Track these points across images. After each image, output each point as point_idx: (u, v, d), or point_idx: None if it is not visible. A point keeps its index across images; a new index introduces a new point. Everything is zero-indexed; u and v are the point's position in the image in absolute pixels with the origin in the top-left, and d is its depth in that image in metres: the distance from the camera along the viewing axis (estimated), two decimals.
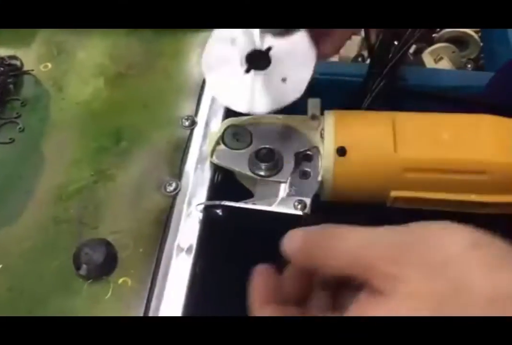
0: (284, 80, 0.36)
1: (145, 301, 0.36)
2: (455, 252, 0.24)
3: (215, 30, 0.38)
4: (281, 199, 0.35)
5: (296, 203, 0.35)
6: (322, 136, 0.38)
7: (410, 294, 0.23)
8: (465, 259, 0.24)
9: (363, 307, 0.24)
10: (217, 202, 0.37)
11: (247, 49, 0.37)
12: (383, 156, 0.35)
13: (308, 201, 0.35)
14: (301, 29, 0.36)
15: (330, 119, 0.37)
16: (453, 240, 0.24)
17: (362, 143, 0.36)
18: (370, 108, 0.59)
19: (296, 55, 0.36)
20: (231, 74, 0.36)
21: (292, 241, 0.28)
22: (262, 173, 0.38)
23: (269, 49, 0.36)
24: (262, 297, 0.29)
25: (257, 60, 0.36)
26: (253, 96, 0.36)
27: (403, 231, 0.25)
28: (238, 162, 0.38)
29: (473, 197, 0.34)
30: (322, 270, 0.27)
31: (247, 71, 0.36)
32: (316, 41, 0.39)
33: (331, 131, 0.36)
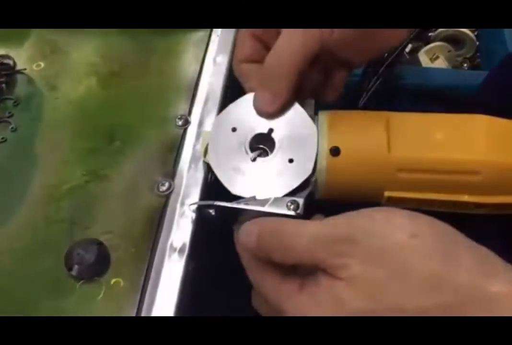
0: (291, 161, 0.36)
1: (137, 302, 0.36)
2: (395, 242, 0.27)
3: (216, 120, 0.39)
4: (274, 199, 0.35)
5: (289, 204, 0.35)
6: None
7: (351, 281, 0.27)
8: (403, 248, 0.26)
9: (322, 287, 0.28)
10: (210, 202, 0.37)
11: (249, 136, 0.37)
12: (377, 156, 0.34)
13: (301, 201, 0.35)
14: (295, 104, 0.37)
15: (323, 119, 0.37)
16: (393, 230, 0.27)
17: (356, 143, 0.35)
18: (365, 107, 0.58)
19: (298, 132, 0.37)
20: (237, 163, 0.37)
21: (248, 239, 0.31)
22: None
23: (270, 131, 0.37)
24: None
25: (261, 144, 0.37)
26: (264, 182, 0.36)
27: (349, 224, 0.29)
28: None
29: (467, 198, 0.34)
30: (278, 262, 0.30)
31: (254, 159, 0.37)
32: (316, 91, 0.40)
33: (325, 131, 0.36)
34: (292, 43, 0.35)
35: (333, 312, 0.27)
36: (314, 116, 0.38)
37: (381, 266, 0.27)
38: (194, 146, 0.43)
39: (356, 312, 0.26)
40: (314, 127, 0.37)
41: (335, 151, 0.35)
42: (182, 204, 0.40)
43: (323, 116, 0.37)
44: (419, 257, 0.26)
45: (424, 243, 0.27)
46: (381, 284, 0.26)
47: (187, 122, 0.45)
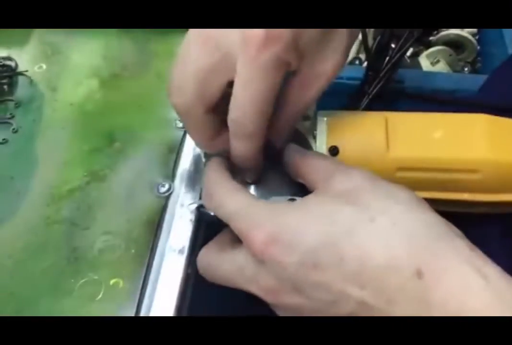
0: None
1: (136, 302, 0.36)
2: (359, 181, 0.30)
3: None
4: (273, 199, 0.35)
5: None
6: (314, 137, 0.37)
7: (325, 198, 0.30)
8: (364, 186, 0.29)
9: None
10: None
11: None
12: (376, 155, 0.35)
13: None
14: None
15: (322, 118, 0.37)
16: (357, 173, 0.30)
17: (355, 142, 0.36)
18: (366, 110, 0.59)
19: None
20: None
21: (288, 158, 0.35)
22: (248, 179, 0.38)
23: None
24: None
25: None
26: (262, 193, 0.37)
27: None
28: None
29: (466, 196, 0.34)
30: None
31: None
32: None
33: (324, 131, 0.36)
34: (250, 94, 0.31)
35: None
36: (313, 116, 0.38)
37: (347, 201, 0.29)
38: (194, 147, 0.43)
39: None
40: (309, 144, 0.38)
41: (334, 151, 0.35)
42: (182, 205, 0.40)
43: (322, 116, 0.37)
44: (375, 196, 0.29)
45: (379, 184, 0.30)
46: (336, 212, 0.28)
47: None
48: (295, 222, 0.28)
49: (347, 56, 0.34)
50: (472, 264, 0.25)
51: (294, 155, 0.35)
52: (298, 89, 0.33)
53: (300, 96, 0.34)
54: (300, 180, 0.34)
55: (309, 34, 0.30)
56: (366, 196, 0.28)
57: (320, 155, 0.35)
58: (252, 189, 0.38)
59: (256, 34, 0.29)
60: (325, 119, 0.37)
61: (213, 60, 0.31)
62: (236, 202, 0.31)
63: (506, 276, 0.25)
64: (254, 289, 0.30)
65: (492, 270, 0.25)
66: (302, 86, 0.33)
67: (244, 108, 0.31)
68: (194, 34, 0.32)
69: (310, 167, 0.33)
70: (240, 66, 0.30)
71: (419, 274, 0.24)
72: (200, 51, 0.31)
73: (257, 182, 0.38)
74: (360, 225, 0.27)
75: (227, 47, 0.31)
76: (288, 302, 0.29)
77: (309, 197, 0.30)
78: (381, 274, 0.25)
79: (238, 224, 0.30)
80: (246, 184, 0.38)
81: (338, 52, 0.33)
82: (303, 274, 0.27)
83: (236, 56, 0.30)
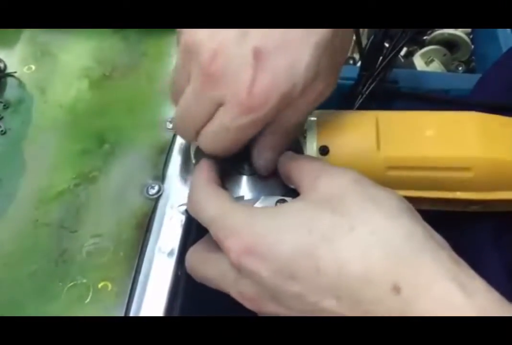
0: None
1: (125, 305, 0.35)
2: (344, 183, 0.29)
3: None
4: (263, 199, 0.35)
5: (278, 203, 0.34)
6: (304, 137, 0.37)
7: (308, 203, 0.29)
8: (348, 190, 0.28)
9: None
10: None
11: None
12: (366, 154, 0.34)
13: (290, 200, 0.34)
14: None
15: (312, 118, 0.37)
16: (344, 174, 0.30)
17: (345, 141, 0.35)
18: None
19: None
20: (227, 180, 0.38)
21: (280, 163, 0.35)
22: (245, 171, 0.37)
23: None
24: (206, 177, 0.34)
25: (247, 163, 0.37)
26: (253, 194, 0.37)
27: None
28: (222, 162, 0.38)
29: (459, 195, 0.33)
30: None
31: (240, 173, 0.38)
32: None
33: (313, 131, 0.36)
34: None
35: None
36: None
37: (328, 204, 0.28)
38: (185, 149, 0.43)
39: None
40: (300, 144, 0.37)
41: (324, 151, 0.35)
42: (172, 207, 0.40)
43: (311, 116, 0.37)
44: (358, 201, 0.28)
45: (364, 188, 0.29)
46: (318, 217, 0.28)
47: None
48: (272, 231, 0.27)
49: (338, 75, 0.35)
50: (454, 279, 0.23)
51: (285, 160, 0.34)
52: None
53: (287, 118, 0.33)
54: (291, 185, 0.34)
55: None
56: (348, 202, 0.27)
57: (308, 157, 0.34)
58: (243, 189, 0.37)
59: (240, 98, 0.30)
60: (315, 118, 0.37)
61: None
62: (214, 208, 0.31)
63: (490, 291, 0.23)
64: (235, 295, 0.29)
65: (476, 285, 0.24)
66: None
67: (212, 146, 0.34)
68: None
69: (298, 170, 0.32)
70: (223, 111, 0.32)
71: (396, 289, 0.23)
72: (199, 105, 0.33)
73: (254, 173, 0.38)
74: (339, 234, 0.26)
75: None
76: (268, 311, 0.28)
77: (291, 203, 0.30)
78: (358, 286, 0.24)
79: (215, 231, 0.30)
80: (245, 174, 0.38)
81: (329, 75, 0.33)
82: (280, 284, 0.26)
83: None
